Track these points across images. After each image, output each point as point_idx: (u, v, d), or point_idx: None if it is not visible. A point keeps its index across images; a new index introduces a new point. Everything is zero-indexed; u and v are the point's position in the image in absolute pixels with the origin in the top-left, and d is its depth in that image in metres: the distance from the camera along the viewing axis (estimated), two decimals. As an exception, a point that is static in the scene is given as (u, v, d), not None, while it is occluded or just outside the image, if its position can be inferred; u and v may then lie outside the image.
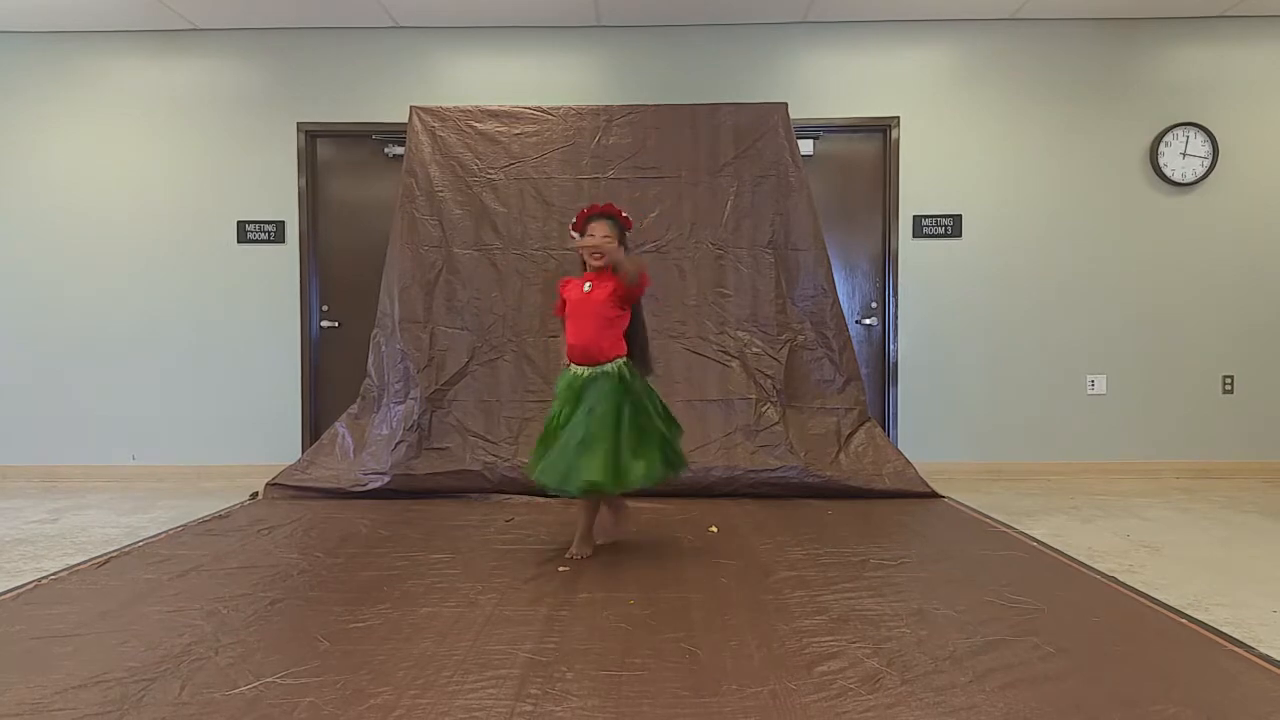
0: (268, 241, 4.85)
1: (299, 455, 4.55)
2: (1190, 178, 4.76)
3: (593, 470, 2.68)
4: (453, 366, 4.31)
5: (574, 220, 2.93)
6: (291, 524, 3.52)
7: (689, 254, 4.42)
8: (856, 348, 4.59)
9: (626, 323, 2.88)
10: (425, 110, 4.53)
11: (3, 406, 4.89)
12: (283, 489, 4.16)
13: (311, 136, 4.89)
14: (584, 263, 2.94)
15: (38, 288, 4.87)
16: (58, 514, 3.91)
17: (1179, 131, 4.75)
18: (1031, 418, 4.82)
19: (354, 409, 4.41)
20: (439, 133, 4.48)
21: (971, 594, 2.47)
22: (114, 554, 3.00)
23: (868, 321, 4.91)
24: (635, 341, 2.92)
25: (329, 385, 4.93)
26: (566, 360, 2.93)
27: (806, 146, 4.78)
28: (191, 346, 4.87)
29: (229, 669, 1.91)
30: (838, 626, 2.19)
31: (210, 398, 4.86)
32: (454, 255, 4.41)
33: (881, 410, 4.86)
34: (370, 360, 4.42)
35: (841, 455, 4.20)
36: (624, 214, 2.95)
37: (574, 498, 2.89)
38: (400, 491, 4.09)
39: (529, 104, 4.60)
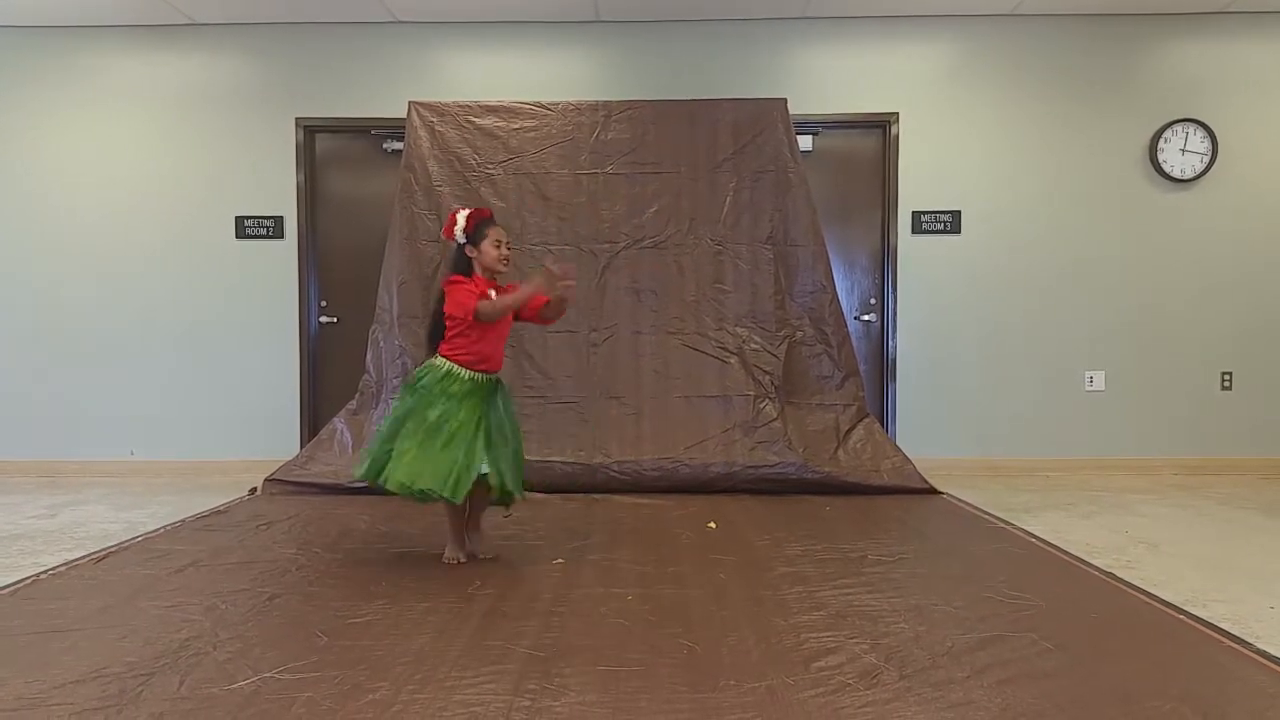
0: (266, 237, 4.84)
1: (297, 451, 4.54)
2: (1189, 174, 4.76)
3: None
4: (451, 362, 4.30)
5: (461, 224, 2.77)
6: (290, 519, 3.52)
7: (688, 250, 4.41)
8: (855, 344, 4.58)
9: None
10: (424, 105, 4.52)
11: (1, 402, 4.88)
12: (281, 484, 4.15)
13: (310, 131, 4.88)
14: (474, 269, 2.80)
15: (36, 283, 4.86)
16: (56, 509, 3.91)
17: (1178, 128, 4.75)
18: (1030, 414, 4.82)
19: (352, 405, 4.41)
20: (438, 128, 4.48)
21: (969, 590, 2.48)
22: (112, 549, 3.00)
23: (866, 317, 4.91)
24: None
25: (327, 381, 4.92)
26: (463, 365, 2.74)
27: (805, 142, 4.77)
28: (190, 342, 4.86)
29: (227, 664, 1.91)
30: (836, 622, 2.19)
31: (209, 393, 4.86)
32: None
33: (880, 406, 4.86)
34: (369, 356, 4.41)
35: (840, 451, 4.20)
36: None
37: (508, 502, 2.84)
38: (399, 487, 4.08)
39: (528, 99, 4.59)
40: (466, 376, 2.74)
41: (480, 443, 2.67)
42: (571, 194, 4.43)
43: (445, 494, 2.59)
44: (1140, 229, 4.81)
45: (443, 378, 2.72)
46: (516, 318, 2.86)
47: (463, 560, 2.82)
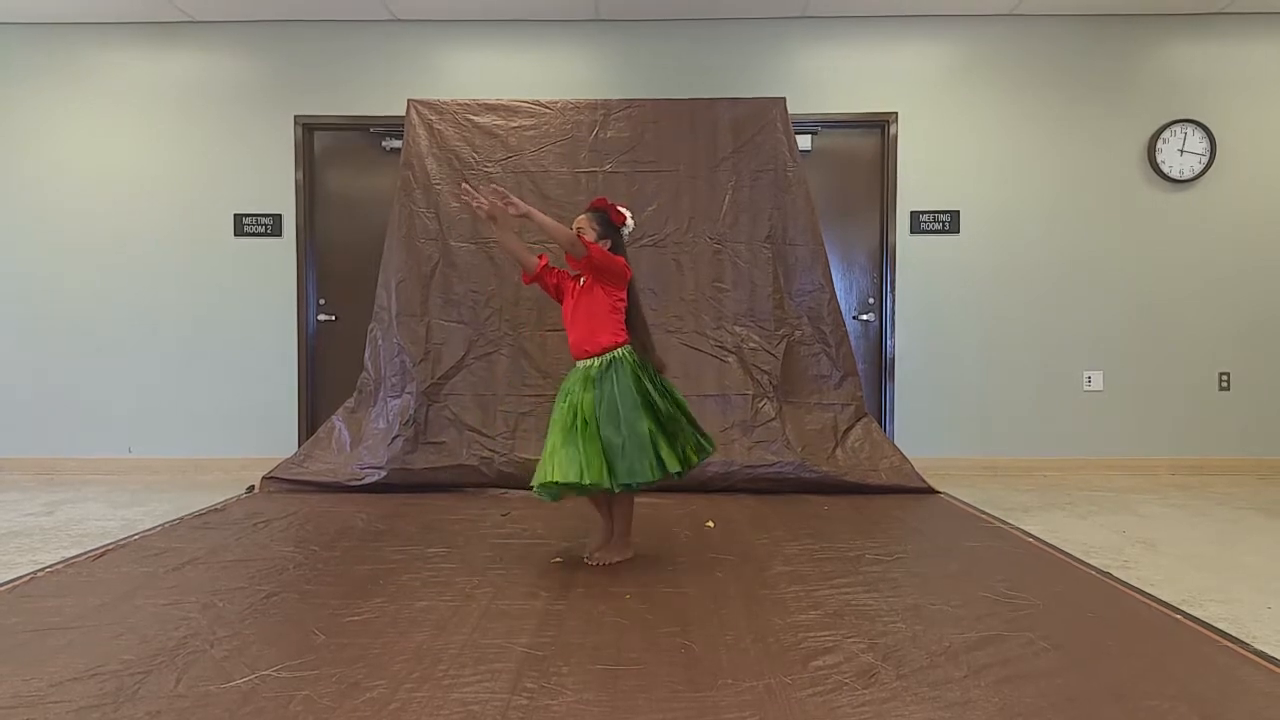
0: (265, 235, 4.84)
1: (295, 449, 4.54)
2: (1188, 174, 4.76)
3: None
4: (449, 360, 4.31)
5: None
6: (287, 517, 3.51)
7: (687, 248, 4.41)
8: (854, 343, 4.59)
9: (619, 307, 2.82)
10: (423, 103, 4.51)
11: (-2, 399, 4.88)
12: (279, 482, 4.15)
13: (308, 129, 4.87)
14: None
15: (34, 280, 4.85)
16: (54, 506, 3.90)
17: (1177, 128, 4.75)
18: (1028, 413, 4.83)
19: (350, 403, 4.41)
20: (436, 126, 4.47)
21: (967, 589, 2.48)
22: (110, 547, 3.00)
23: (865, 317, 4.91)
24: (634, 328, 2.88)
25: (326, 379, 4.92)
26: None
27: (804, 142, 4.77)
28: (188, 339, 4.86)
29: (224, 662, 1.91)
30: (833, 621, 2.19)
31: (207, 391, 4.85)
32: (451, 248, 4.40)
33: (878, 406, 4.86)
34: (367, 354, 4.41)
35: (838, 451, 4.21)
36: (618, 208, 2.88)
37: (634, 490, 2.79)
38: (396, 486, 4.08)
39: (527, 98, 4.59)
40: (580, 367, 2.81)
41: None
42: (570, 192, 4.43)
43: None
44: (1138, 229, 4.81)
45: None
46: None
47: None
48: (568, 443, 2.65)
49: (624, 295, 2.82)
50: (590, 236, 2.78)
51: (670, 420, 2.75)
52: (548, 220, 2.70)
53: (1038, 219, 4.81)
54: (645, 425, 2.66)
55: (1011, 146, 4.81)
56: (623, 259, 2.82)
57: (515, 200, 2.71)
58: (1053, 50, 4.80)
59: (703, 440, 2.82)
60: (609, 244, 2.82)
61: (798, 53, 4.82)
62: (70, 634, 2.10)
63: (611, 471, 2.62)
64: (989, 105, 4.81)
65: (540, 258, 2.93)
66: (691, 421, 2.82)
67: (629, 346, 2.79)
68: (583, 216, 2.85)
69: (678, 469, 2.71)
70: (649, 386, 2.74)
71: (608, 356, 2.75)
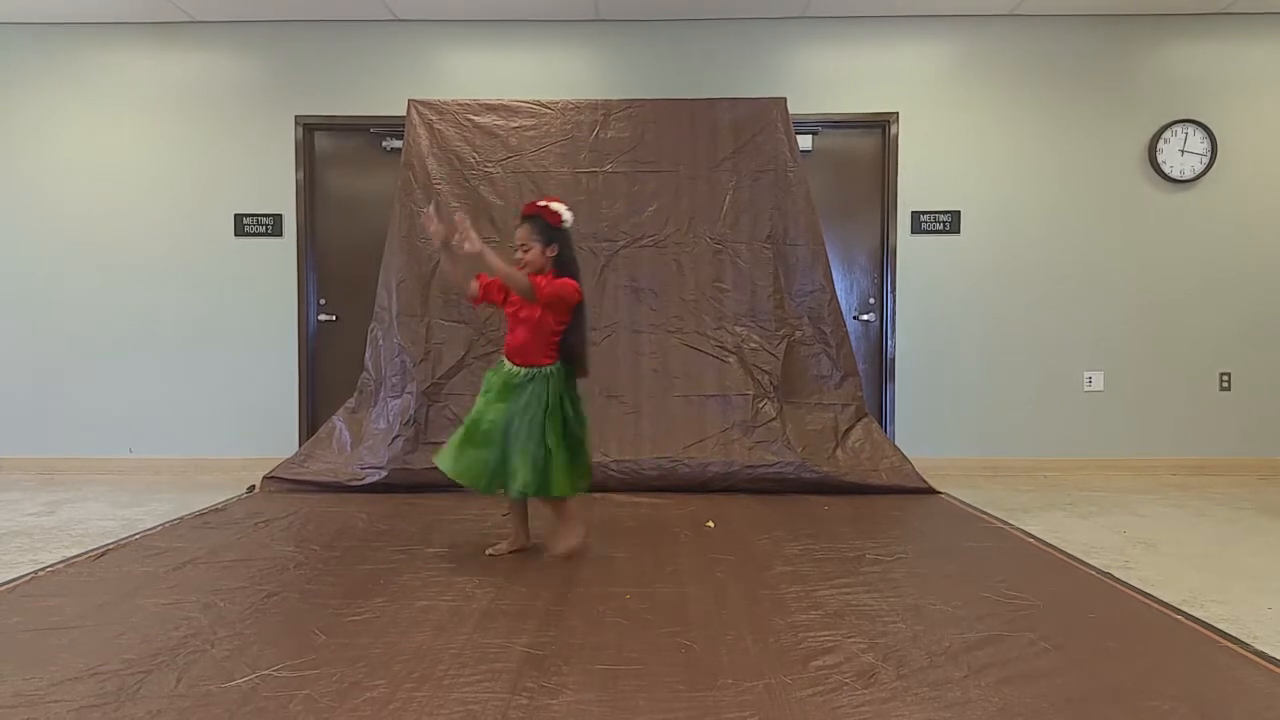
0: (265, 235, 4.84)
1: (296, 449, 4.54)
2: (1189, 175, 4.76)
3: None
4: (449, 360, 4.31)
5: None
6: (288, 517, 3.51)
7: (687, 249, 4.41)
8: (854, 344, 4.58)
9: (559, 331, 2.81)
10: (423, 104, 4.51)
11: (-1, 399, 4.89)
12: (280, 482, 4.15)
13: (309, 129, 4.88)
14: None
15: (35, 280, 4.86)
16: (54, 506, 3.91)
17: (1178, 128, 4.75)
18: (1029, 414, 4.83)
19: (351, 403, 4.41)
20: (437, 126, 4.47)
21: (967, 589, 2.48)
22: (110, 546, 3.00)
23: (865, 317, 4.91)
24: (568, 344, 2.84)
25: (326, 379, 4.92)
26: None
27: (805, 142, 4.77)
28: (189, 339, 4.86)
29: (225, 661, 1.91)
30: (833, 621, 2.19)
31: (207, 391, 4.86)
32: (451, 249, 4.39)
33: (879, 406, 4.86)
34: (367, 354, 4.41)
35: (839, 451, 4.21)
36: (551, 208, 2.77)
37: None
38: (397, 486, 4.08)
39: (527, 98, 4.59)
40: (505, 369, 2.82)
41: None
42: (570, 192, 4.42)
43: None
44: (1139, 229, 4.81)
45: (496, 371, 2.85)
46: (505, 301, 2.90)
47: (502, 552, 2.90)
48: (470, 446, 2.74)
49: (568, 319, 2.81)
50: (535, 250, 2.74)
51: (574, 446, 2.80)
52: (500, 264, 2.64)
53: (1038, 219, 4.81)
54: (544, 448, 2.71)
55: (1012, 146, 4.81)
56: (574, 283, 2.77)
57: (471, 235, 2.65)
58: (1053, 50, 4.80)
59: (578, 477, 2.83)
60: (555, 250, 2.77)
61: (798, 53, 4.82)
62: (71, 633, 2.10)
63: (505, 482, 2.72)
64: (989, 105, 4.81)
65: (479, 277, 2.90)
66: (584, 455, 2.86)
67: (558, 364, 2.80)
68: (522, 229, 2.78)
69: (566, 492, 2.77)
70: (563, 408, 2.77)
71: (533, 370, 2.77)
